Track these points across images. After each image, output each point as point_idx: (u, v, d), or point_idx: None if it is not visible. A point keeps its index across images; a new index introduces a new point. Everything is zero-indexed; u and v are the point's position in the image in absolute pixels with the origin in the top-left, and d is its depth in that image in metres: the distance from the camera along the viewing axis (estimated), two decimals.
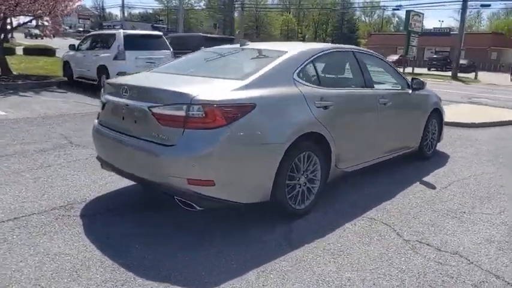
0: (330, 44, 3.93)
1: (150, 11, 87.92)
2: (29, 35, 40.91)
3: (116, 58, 10.21)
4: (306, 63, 3.38)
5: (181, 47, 12.20)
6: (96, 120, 3.53)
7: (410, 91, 4.68)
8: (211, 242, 2.87)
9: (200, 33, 14.25)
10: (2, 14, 11.24)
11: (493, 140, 6.79)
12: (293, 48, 3.46)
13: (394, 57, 37.08)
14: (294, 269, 2.57)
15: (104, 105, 3.32)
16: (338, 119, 3.47)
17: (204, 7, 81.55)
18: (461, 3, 27.46)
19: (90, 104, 8.90)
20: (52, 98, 9.64)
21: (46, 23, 13.66)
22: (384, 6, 76.19)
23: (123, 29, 11.91)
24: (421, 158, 5.21)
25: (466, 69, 32.94)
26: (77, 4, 13.41)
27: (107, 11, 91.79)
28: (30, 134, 5.91)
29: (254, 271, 2.52)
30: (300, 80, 3.25)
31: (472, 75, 29.22)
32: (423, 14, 29.51)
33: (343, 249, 2.86)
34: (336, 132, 3.43)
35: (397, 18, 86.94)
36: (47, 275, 2.40)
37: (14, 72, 12.31)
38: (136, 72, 3.99)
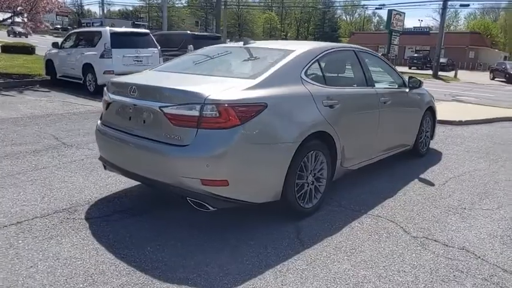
0: (332, 42, 3.95)
1: (130, 8, 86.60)
2: (12, 32, 39.61)
3: (102, 56, 9.99)
4: (312, 62, 3.39)
5: (169, 45, 12.07)
6: (99, 121, 3.46)
7: (407, 90, 4.76)
8: (223, 242, 2.86)
9: (188, 31, 14.12)
10: None
11: (482, 137, 6.98)
12: (300, 47, 3.47)
13: None
14: (310, 268, 2.58)
15: (108, 105, 3.24)
16: (343, 117, 3.50)
17: (185, 4, 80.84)
18: (441, 2, 28.07)
19: (77, 104, 8.72)
20: (36, 97, 9.38)
21: (26, 20, 13.27)
22: (365, 5, 77.22)
23: (103, 27, 11.65)
24: (416, 156, 5.32)
25: (445, 67, 33.75)
26: (59, 1, 13.09)
27: (86, 8, 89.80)
28: (19, 135, 5.73)
29: (271, 271, 2.52)
30: (308, 79, 3.27)
31: (451, 73, 29.93)
32: (404, 13, 30.04)
33: (354, 247, 2.89)
34: (341, 131, 3.46)
35: (377, 17, 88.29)
36: (61, 280, 2.34)
37: None
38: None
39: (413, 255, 2.82)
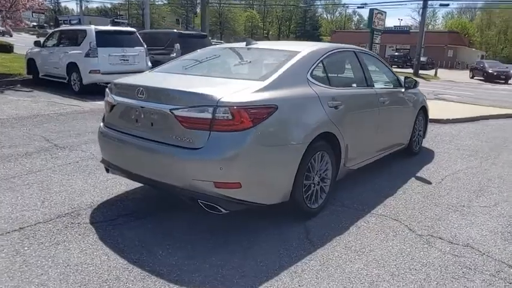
0: (334, 43, 3.98)
1: (109, 6, 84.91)
2: None
3: (87, 55, 9.78)
4: (317, 63, 3.41)
5: (155, 44, 11.90)
6: (101, 123, 3.39)
7: (403, 90, 4.84)
8: (234, 243, 2.85)
9: (174, 30, 13.91)
10: None
11: (469, 136, 7.17)
12: (304, 48, 3.48)
13: None
14: (324, 268, 2.60)
15: (112, 107, 3.18)
16: (346, 118, 3.54)
17: (166, 2, 79.87)
18: (421, 2, 28.64)
19: (62, 104, 8.52)
20: (19, 97, 9.11)
21: (5, 18, 12.86)
22: (346, 4, 78.07)
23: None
24: (410, 154, 5.42)
25: (425, 66, 34.50)
26: None
27: (63, 5, 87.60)
28: (7, 136, 5.56)
29: (286, 272, 2.53)
30: (313, 80, 3.29)
31: (431, 72, 30.62)
32: (386, 12, 30.46)
33: (364, 246, 2.93)
34: (345, 132, 3.50)
35: (358, 16, 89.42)
36: (75, 287, 2.29)
37: None
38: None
39: (421, 253, 2.88)
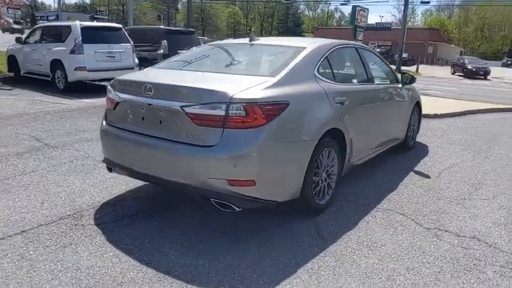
0: (336, 39, 3.97)
1: (87, 1, 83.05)
2: None
3: (72, 52, 9.51)
4: (322, 59, 3.39)
5: (141, 41, 11.67)
6: (103, 121, 3.28)
7: (400, 85, 4.89)
8: (245, 241, 2.82)
9: (161, 26, 13.65)
10: None
11: (459, 130, 7.31)
12: (310, 44, 3.45)
13: None
14: (340, 264, 2.60)
15: (116, 104, 3.08)
16: (351, 114, 3.54)
17: None
18: None
19: (48, 102, 8.29)
20: (1, 95, 8.80)
21: None
22: (328, 0, 78.50)
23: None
24: (405, 149, 5.48)
25: (406, 62, 35.02)
26: None
27: (39, 0, 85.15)
28: None
29: (303, 269, 2.51)
30: (320, 76, 3.27)
31: (413, 68, 31.09)
32: (368, 9, 30.76)
33: (375, 240, 2.94)
34: (350, 127, 3.50)
35: (339, 13, 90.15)
36: None
37: None
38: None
39: (432, 246, 2.90)
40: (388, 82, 4.78)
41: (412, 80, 5.05)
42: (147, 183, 3.63)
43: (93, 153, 4.80)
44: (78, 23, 10.08)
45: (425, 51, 48.13)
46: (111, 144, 3.17)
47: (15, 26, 44.12)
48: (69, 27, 9.93)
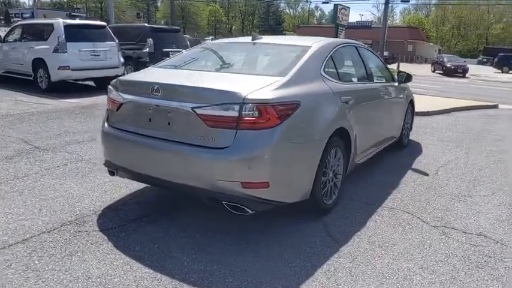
0: (338, 38, 3.96)
1: None
2: None
3: (56, 51, 9.22)
4: (327, 58, 3.37)
5: (126, 39, 11.43)
6: (105, 123, 3.16)
7: (396, 84, 4.92)
8: (254, 243, 2.77)
9: (145, 24, 13.40)
10: None
11: (448, 127, 7.44)
12: (315, 43, 3.42)
13: None
14: (355, 265, 2.58)
15: (120, 105, 2.97)
16: (355, 113, 3.53)
17: None
18: None
19: (31, 102, 8.03)
20: None
21: None
22: None
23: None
24: (400, 147, 5.54)
25: (387, 60, 35.52)
26: None
27: None
28: None
29: (320, 271, 2.48)
30: (326, 76, 3.24)
31: (394, 66, 31.52)
32: (349, 8, 31.05)
33: (385, 240, 2.94)
34: (354, 126, 3.50)
35: (320, 11, 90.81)
36: None
37: None
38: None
39: (441, 244, 2.92)
40: (385, 81, 4.81)
41: (408, 78, 5.10)
42: (149, 185, 3.54)
43: (87, 155, 4.66)
44: (61, 20, 9.78)
45: (405, 49, 48.95)
46: (114, 146, 3.06)
47: None
48: (51, 25, 9.62)
